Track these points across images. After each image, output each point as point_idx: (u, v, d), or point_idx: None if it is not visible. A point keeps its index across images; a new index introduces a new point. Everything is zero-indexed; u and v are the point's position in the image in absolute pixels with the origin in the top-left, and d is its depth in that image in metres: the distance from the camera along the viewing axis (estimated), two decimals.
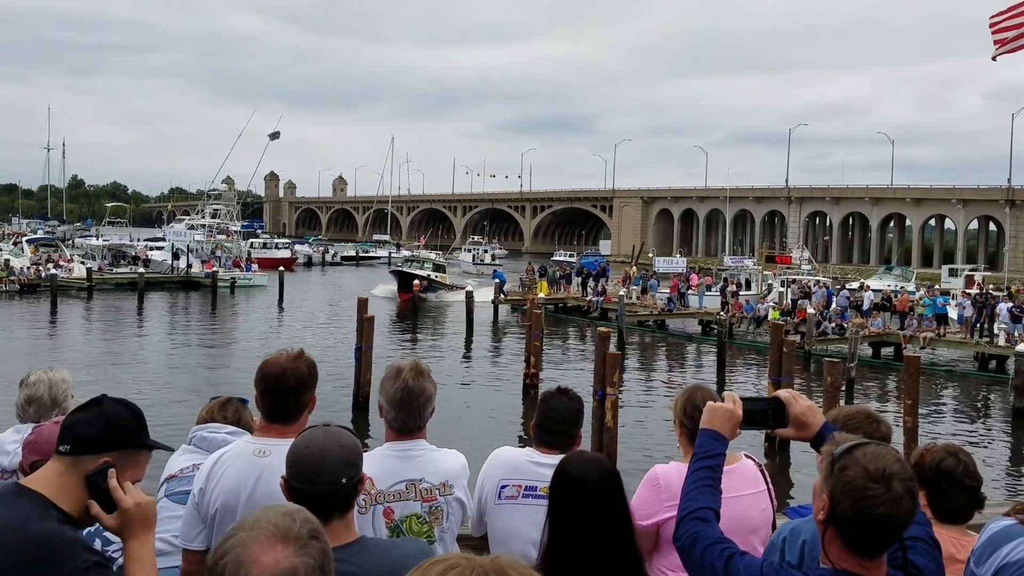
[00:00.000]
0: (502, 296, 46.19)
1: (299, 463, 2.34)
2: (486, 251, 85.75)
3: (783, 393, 2.64)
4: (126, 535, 2.26)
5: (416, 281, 49.56)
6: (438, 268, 56.70)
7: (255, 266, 63.18)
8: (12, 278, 50.61)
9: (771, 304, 39.65)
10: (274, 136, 76.04)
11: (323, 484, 2.29)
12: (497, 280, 47.99)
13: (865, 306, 36.42)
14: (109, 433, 2.25)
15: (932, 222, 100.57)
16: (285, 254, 78.52)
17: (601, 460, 2.75)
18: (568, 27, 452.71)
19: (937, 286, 48.93)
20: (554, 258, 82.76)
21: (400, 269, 54.24)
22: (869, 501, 2.01)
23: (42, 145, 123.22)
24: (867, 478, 2.01)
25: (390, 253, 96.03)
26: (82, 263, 56.75)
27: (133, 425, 2.30)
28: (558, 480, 2.64)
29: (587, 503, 2.55)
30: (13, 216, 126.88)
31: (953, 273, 63.06)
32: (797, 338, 29.88)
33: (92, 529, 2.61)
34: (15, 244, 65.45)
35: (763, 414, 2.58)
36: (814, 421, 2.57)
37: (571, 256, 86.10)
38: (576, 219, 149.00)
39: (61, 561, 2.04)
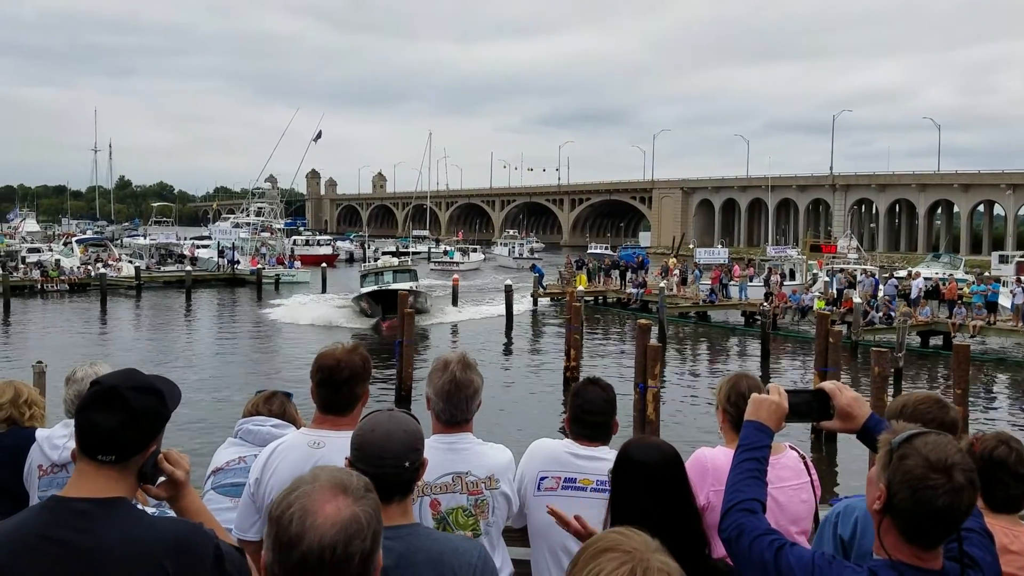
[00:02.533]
0: (541, 290, 46.21)
1: (364, 446, 2.39)
2: (522, 244, 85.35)
3: (828, 385, 2.61)
4: (178, 496, 2.36)
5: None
6: (402, 275, 43.43)
7: (298, 263, 63.98)
8: (63, 278, 51.89)
9: (816, 294, 39.06)
10: (317, 137, 77.02)
11: (387, 467, 2.34)
12: (536, 274, 48.08)
13: (913, 295, 35.73)
14: (149, 429, 2.21)
15: (981, 208, 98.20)
16: (327, 251, 79.34)
17: (664, 445, 2.72)
18: (599, 19, 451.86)
19: (987, 273, 47.81)
20: (589, 251, 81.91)
21: (382, 288, 39.71)
22: (930, 491, 1.96)
23: (89, 147, 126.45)
24: (928, 468, 1.97)
25: (429, 248, 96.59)
26: (130, 262, 57.96)
27: (162, 407, 2.25)
28: (621, 465, 2.63)
29: (650, 488, 2.54)
30: (63, 217, 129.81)
31: (1004, 260, 61.48)
32: (844, 328, 29.42)
33: None
34: (65, 244, 67.15)
35: (808, 406, 2.56)
36: (860, 412, 2.53)
37: (605, 248, 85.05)
38: (615, 211, 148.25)
39: (196, 550, 2.11)
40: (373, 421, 2.45)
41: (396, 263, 50.41)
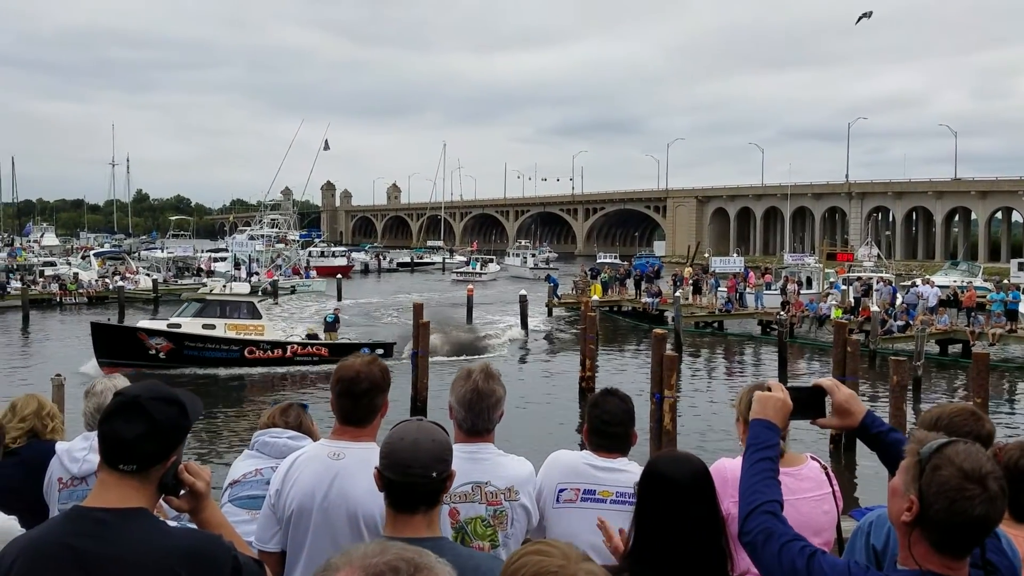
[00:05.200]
0: (556, 299, 46.19)
1: (392, 454, 2.40)
2: (534, 254, 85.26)
3: (825, 381, 2.62)
4: (199, 508, 2.34)
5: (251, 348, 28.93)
6: (214, 308, 30.26)
7: (313, 273, 64.29)
8: (81, 291, 52.37)
9: (833, 303, 38.81)
10: (324, 147, 77.55)
11: (414, 476, 2.36)
12: (551, 284, 48.09)
13: (932, 303, 35.44)
14: (170, 439, 2.23)
15: (999, 215, 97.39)
16: (342, 262, 79.73)
17: (693, 458, 2.68)
18: (610, 29, 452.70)
19: (1006, 280, 47.36)
20: (599, 260, 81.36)
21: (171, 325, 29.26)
22: (967, 502, 1.94)
23: (107, 161, 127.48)
24: (963, 478, 1.94)
25: (444, 258, 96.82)
26: (148, 275, 58.40)
27: (183, 419, 2.26)
28: (648, 479, 2.59)
29: (678, 503, 2.50)
30: (81, 231, 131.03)
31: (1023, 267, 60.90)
32: (861, 337, 29.18)
33: None
34: (83, 258, 67.73)
35: (805, 402, 2.57)
36: (857, 409, 2.56)
37: (614, 257, 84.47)
38: (629, 220, 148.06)
39: (219, 564, 2.12)
40: (402, 430, 2.46)
41: (221, 290, 34.41)
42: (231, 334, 28.81)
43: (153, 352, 27.77)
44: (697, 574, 2.45)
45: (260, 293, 35.00)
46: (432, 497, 2.40)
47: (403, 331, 32.52)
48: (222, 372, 28.01)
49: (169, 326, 28.94)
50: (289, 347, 29.30)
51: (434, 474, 2.38)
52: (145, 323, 29.99)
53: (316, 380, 27.01)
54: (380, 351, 27.98)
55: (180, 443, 2.27)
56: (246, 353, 28.64)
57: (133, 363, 26.03)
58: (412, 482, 2.35)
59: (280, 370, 28.57)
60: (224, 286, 32.62)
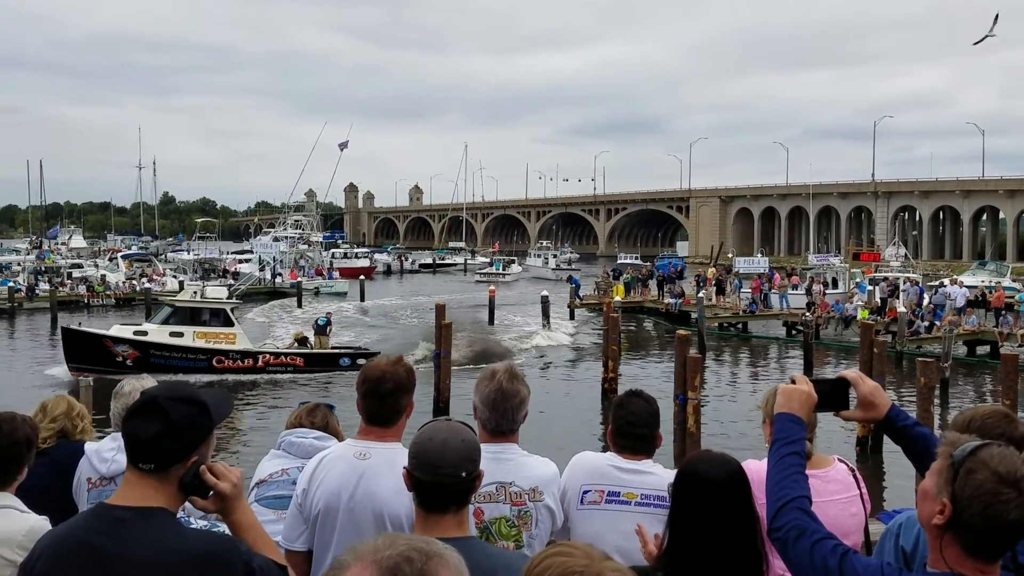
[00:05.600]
0: (577, 300, 46.13)
1: (422, 454, 2.41)
2: (555, 255, 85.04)
3: (850, 373, 2.60)
4: (227, 510, 2.32)
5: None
6: (183, 315, 28.88)
7: (336, 275, 64.64)
8: (108, 292, 53.01)
9: (859, 303, 38.40)
10: (343, 146, 77.91)
11: (444, 476, 2.36)
12: (572, 285, 48.01)
13: (959, 303, 34.98)
14: (187, 439, 2.24)
15: None
16: (364, 263, 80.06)
17: (729, 459, 2.65)
18: (631, 29, 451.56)
19: None
20: (620, 261, 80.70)
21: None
22: (1002, 506, 1.91)
23: (134, 164, 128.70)
24: (999, 482, 1.92)
25: (465, 259, 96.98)
26: (174, 277, 59.01)
27: (202, 418, 2.27)
28: (684, 481, 2.56)
29: (716, 505, 2.47)
30: (108, 233, 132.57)
31: None
32: (888, 338, 28.87)
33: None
34: (111, 260, 68.57)
35: (829, 395, 2.55)
36: (882, 402, 2.54)
37: (635, 258, 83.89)
38: (652, 221, 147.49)
39: (230, 569, 2.13)
40: (432, 430, 2.47)
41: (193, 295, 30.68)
42: (200, 342, 27.94)
43: (120, 359, 27.16)
44: (733, 575, 2.42)
45: (235, 298, 32.39)
46: (462, 497, 2.41)
47: (426, 331, 32.49)
48: (192, 380, 25.77)
49: (136, 333, 28.20)
50: (260, 357, 28.11)
51: (463, 474, 2.38)
52: (113, 329, 28.95)
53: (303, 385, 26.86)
54: (362, 360, 26.98)
55: (201, 443, 2.26)
56: (214, 363, 27.63)
57: (101, 369, 25.14)
58: (442, 482, 2.35)
59: (252, 378, 27.45)
60: (194, 293, 30.37)
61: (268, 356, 28.24)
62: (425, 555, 1.46)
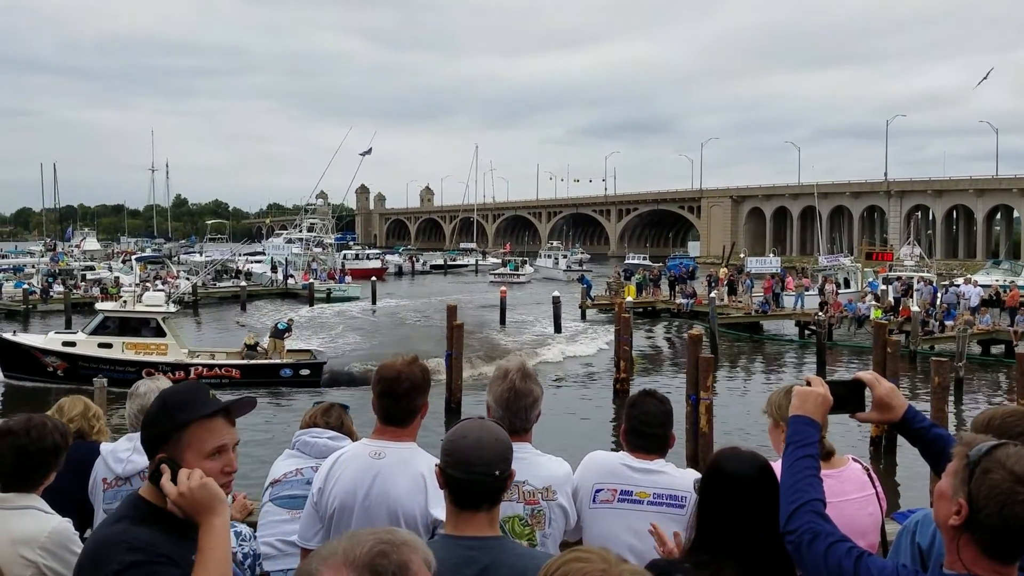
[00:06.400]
0: (589, 301, 46.09)
1: (455, 452, 2.40)
2: (566, 256, 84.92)
3: (865, 375, 2.58)
4: (196, 519, 2.19)
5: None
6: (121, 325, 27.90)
7: (348, 277, 64.79)
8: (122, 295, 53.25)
9: (872, 302, 38.22)
10: (366, 152, 78.11)
11: (477, 474, 2.36)
12: (584, 285, 47.99)
13: (974, 302, 34.77)
14: (145, 436, 2.36)
15: None
16: (376, 264, 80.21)
17: (757, 456, 2.61)
18: (643, 29, 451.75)
19: None
20: (628, 261, 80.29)
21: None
22: (1019, 506, 1.90)
23: (147, 167, 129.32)
24: (1015, 482, 1.91)
25: (476, 260, 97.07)
26: (187, 279, 59.33)
27: (161, 419, 2.28)
28: (712, 478, 2.53)
29: (745, 503, 2.43)
30: (121, 235, 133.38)
31: None
32: (902, 338, 28.72)
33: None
34: (124, 262, 69.04)
35: (845, 397, 2.53)
36: (899, 403, 2.53)
37: (644, 259, 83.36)
38: (663, 221, 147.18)
39: (99, 564, 2.14)
40: (465, 428, 2.47)
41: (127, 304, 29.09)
42: (129, 353, 26.76)
43: (51, 369, 26.47)
44: (761, 572, 2.39)
45: (172, 305, 31.02)
46: (494, 495, 2.41)
47: (436, 334, 32.49)
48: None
49: (65, 344, 27.28)
50: (192, 368, 26.66)
51: (497, 472, 2.38)
52: (43, 340, 28.07)
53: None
54: (305, 371, 26.77)
55: (162, 440, 2.26)
56: (144, 375, 25.92)
57: (34, 378, 25.43)
58: (476, 480, 2.36)
59: None
60: (123, 302, 29.04)
61: (201, 368, 26.83)
62: (394, 545, 1.45)
